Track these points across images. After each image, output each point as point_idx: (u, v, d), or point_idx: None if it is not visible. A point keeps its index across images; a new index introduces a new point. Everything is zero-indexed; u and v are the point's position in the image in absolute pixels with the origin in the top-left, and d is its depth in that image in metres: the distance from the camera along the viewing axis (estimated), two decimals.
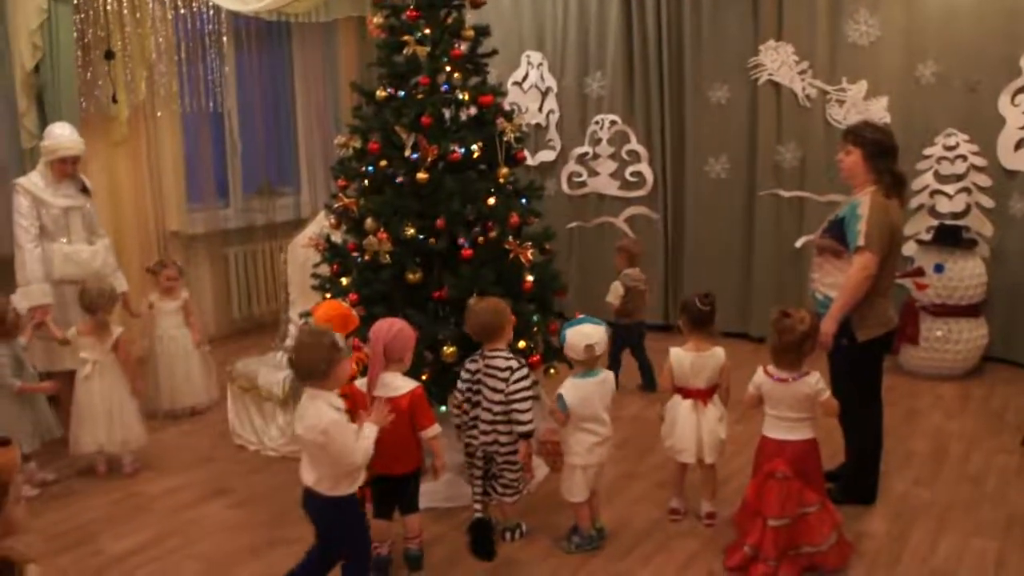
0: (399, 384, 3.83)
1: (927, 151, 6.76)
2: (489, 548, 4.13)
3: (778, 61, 7.26)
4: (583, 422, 4.13)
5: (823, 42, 7.08)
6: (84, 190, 5.67)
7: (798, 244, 7.24)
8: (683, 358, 4.35)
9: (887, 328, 4.47)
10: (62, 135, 5.53)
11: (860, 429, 4.56)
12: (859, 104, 6.98)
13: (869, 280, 4.29)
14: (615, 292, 6.22)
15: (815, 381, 3.93)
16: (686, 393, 4.37)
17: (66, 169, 5.53)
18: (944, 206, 6.72)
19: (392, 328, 3.85)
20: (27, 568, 2.40)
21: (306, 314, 4.82)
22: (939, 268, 6.41)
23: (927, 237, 6.66)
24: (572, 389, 4.14)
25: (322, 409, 3.39)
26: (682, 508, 4.53)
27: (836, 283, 4.39)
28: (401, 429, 3.79)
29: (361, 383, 3.91)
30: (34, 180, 5.50)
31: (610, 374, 4.23)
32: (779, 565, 3.86)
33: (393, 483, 3.96)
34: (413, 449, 3.91)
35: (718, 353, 4.37)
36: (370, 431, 3.52)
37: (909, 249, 6.78)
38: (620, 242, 6.67)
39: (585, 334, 4.11)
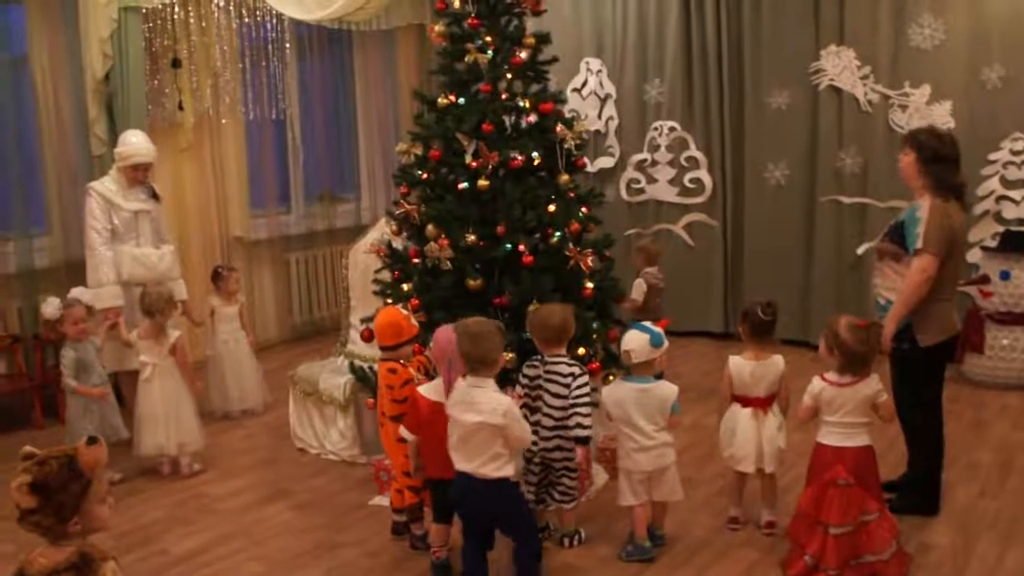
0: None
1: (993, 156, 6.65)
2: None
3: (839, 66, 7.18)
4: (620, 424, 4.14)
5: (886, 46, 7.00)
6: (154, 196, 5.81)
7: (859, 251, 7.15)
8: (743, 366, 4.33)
9: (950, 334, 4.43)
10: (137, 143, 5.70)
11: (921, 437, 4.52)
12: (922, 109, 6.88)
13: (929, 282, 4.25)
14: (639, 289, 6.25)
15: (875, 382, 3.92)
16: (745, 402, 4.34)
17: (138, 175, 5.68)
18: (1010, 212, 6.61)
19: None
20: (105, 565, 2.48)
21: (367, 319, 4.88)
22: (1005, 275, 6.30)
23: (993, 243, 6.55)
24: (608, 388, 4.21)
25: (495, 395, 3.60)
26: (741, 517, 4.49)
27: (897, 287, 4.36)
28: None
29: (424, 389, 3.96)
30: (106, 184, 5.65)
31: (660, 386, 4.14)
32: (841, 575, 3.83)
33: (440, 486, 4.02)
34: None
35: (778, 361, 4.34)
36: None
37: (974, 256, 6.68)
38: (640, 243, 6.73)
39: (624, 340, 4.14)
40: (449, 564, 4.10)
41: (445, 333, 3.90)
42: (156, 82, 7.00)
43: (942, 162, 4.38)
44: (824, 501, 3.86)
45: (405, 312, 4.33)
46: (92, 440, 2.53)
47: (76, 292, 5.31)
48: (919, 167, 4.39)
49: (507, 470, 3.66)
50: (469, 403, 3.62)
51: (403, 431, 3.98)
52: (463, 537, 3.85)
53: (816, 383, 3.97)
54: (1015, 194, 6.59)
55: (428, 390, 3.94)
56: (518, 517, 3.80)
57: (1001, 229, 6.58)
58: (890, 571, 3.89)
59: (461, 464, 3.69)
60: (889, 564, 3.89)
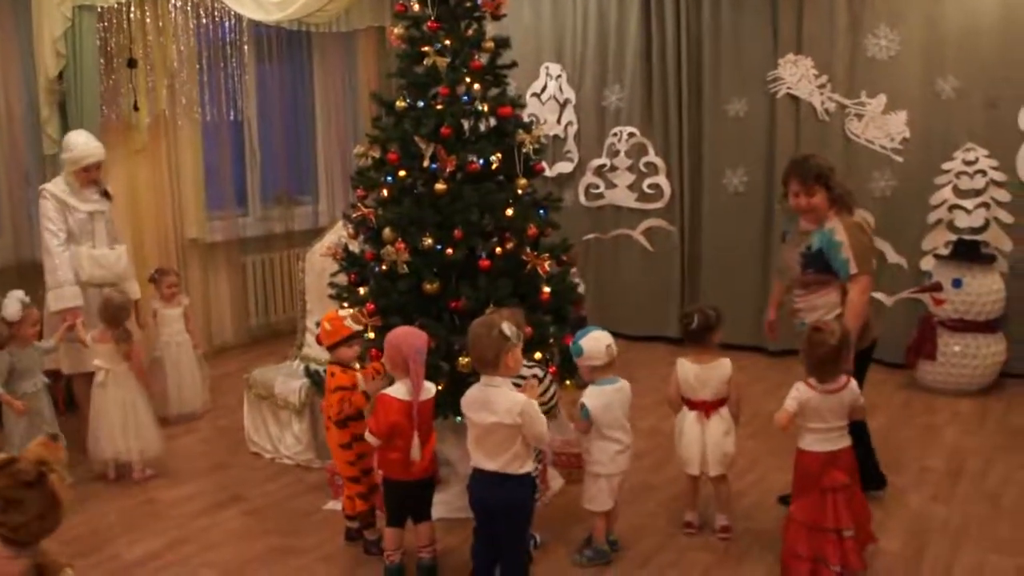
0: (428, 387, 3.98)
1: (946, 166, 6.74)
2: None
3: (797, 75, 7.25)
4: (606, 429, 4.12)
5: (842, 56, 7.07)
6: (105, 195, 5.72)
7: None
8: (688, 369, 4.35)
9: (872, 339, 4.58)
10: (85, 144, 5.59)
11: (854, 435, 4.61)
12: (877, 118, 6.96)
13: (870, 300, 4.41)
14: None
15: (855, 386, 3.97)
16: (691, 404, 4.37)
17: (90, 176, 5.59)
18: (963, 221, 6.70)
19: (423, 335, 3.97)
20: (62, 572, 2.45)
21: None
22: (957, 283, 6.38)
23: (945, 252, 6.63)
24: (594, 396, 4.15)
25: (510, 394, 3.61)
26: (696, 521, 4.50)
27: (828, 303, 4.44)
28: (423, 432, 3.89)
29: (392, 390, 3.95)
30: (60, 186, 5.55)
31: (627, 383, 4.20)
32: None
33: (408, 489, 4.01)
34: (430, 454, 3.97)
35: (724, 364, 4.36)
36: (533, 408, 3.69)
37: (927, 264, 6.77)
38: None
39: (598, 337, 4.13)
40: (403, 568, 4.08)
41: (396, 334, 3.93)
42: (111, 82, 6.89)
43: (839, 184, 4.51)
44: (828, 507, 3.88)
45: (344, 314, 4.33)
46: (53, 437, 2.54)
47: (16, 295, 5.15)
48: (830, 198, 4.46)
49: (528, 466, 3.69)
50: (484, 402, 3.64)
51: (368, 436, 3.96)
52: (475, 537, 3.85)
53: (802, 390, 3.95)
54: (967, 203, 6.67)
55: (397, 391, 3.92)
56: (527, 514, 3.81)
57: (954, 238, 6.67)
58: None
59: (482, 463, 3.69)
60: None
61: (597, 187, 8.23)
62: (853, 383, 3.96)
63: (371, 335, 4.57)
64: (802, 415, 3.96)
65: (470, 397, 3.72)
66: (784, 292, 4.80)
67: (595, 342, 4.13)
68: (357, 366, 4.32)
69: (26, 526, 2.42)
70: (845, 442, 3.96)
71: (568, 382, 4.83)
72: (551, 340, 4.72)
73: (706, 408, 4.34)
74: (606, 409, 4.11)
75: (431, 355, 4.33)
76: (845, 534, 3.85)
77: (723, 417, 4.36)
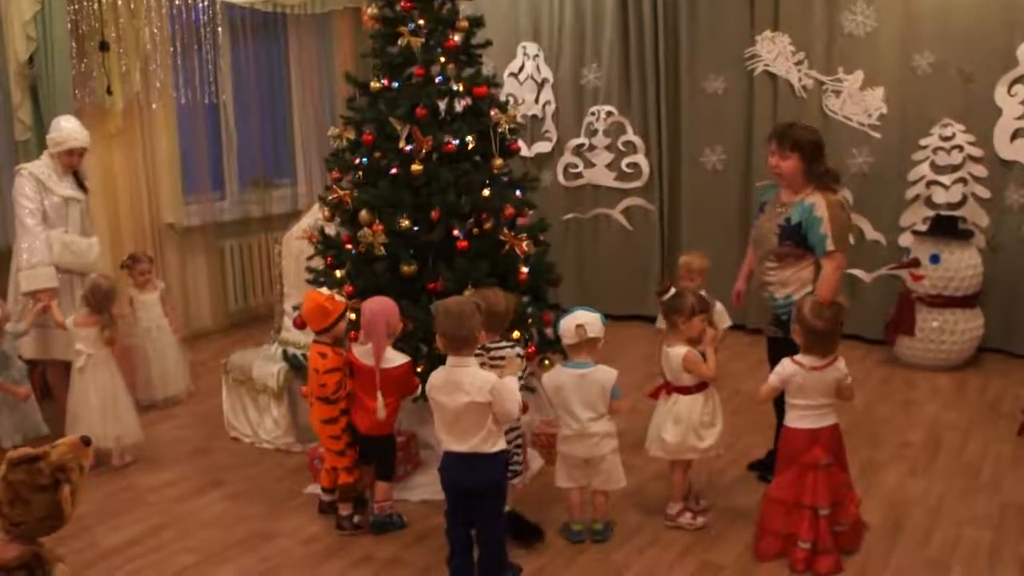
0: (392, 356, 4.12)
1: (923, 141, 6.75)
2: (531, 529, 4.22)
3: (774, 52, 7.24)
4: (559, 410, 4.15)
5: (820, 32, 7.06)
6: (82, 187, 5.67)
7: None
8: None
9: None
10: (72, 128, 5.53)
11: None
12: (855, 95, 6.96)
13: (843, 277, 4.42)
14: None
15: (843, 365, 3.97)
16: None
17: (72, 161, 5.52)
18: (940, 197, 6.71)
19: (388, 304, 4.10)
20: (56, 567, 2.47)
21: (300, 306, 4.82)
22: (935, 259, 6.40)
23: (923, 228, 6.65)
24: (548, 375, 4.19)
25: (480, 372, 3.62)
26: (672, 511, 4.46)
27: (800, 279, 4.42)
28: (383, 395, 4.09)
29: (359, 352, 4.14)
30: (40, 167, 5.49)
31: (599, 370, 4.10)
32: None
33: (365, 442, 4.30)
34: (386, 417, 4.17)
35: (674, 354, 4.24)
36: (512, 383, 3.65)
37: (906, 240, 6.79)
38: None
39: (575, 316, 4.09)
40: (365, 500, 4.32)
41: (382, 304, 4.11)
42: (83, 65, 6.80)
43: (821, 155, 4.46)
44: (807, 484, 3.89)
45: (327, 292, 4.36)
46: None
47: None
48: (804, 167, 4.41)
49: (501, 443, 3.67)
50: (455, 384, 3.60)
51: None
52: (448, 520, 3.82)
53: (788, 366, 3.96)
54: (945, 179, 6.69)
55: (362, 353, 4.11)
56: (501, 492, 3.81)
57: (931, 214, 6.68)
58: (849, 542, 4.00)
59: (453, 446, 3.66)
60: (849, 535, 4.00)
61: (576, 167, 8.21)
62: (841, 362, 3.96)
63: (352, 316, 4.56)
64: (787, 392, 3.97)
65: (438, 381, 3.68)
66: (756, 263, 4.75)
67: (569, 320, 4.10)
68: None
69: (27, 524, 2.46)
70: (830, 421, 3.97)
71: (546, 362, 4.83)
72: (530, 320, 4.71)
73: (667, 389, 4.32)
74: (555, 391, 4.11)
75: (409, 338, 4.35)
76: (821, 512, 3.87)
77: (671, 403, 4.30)
